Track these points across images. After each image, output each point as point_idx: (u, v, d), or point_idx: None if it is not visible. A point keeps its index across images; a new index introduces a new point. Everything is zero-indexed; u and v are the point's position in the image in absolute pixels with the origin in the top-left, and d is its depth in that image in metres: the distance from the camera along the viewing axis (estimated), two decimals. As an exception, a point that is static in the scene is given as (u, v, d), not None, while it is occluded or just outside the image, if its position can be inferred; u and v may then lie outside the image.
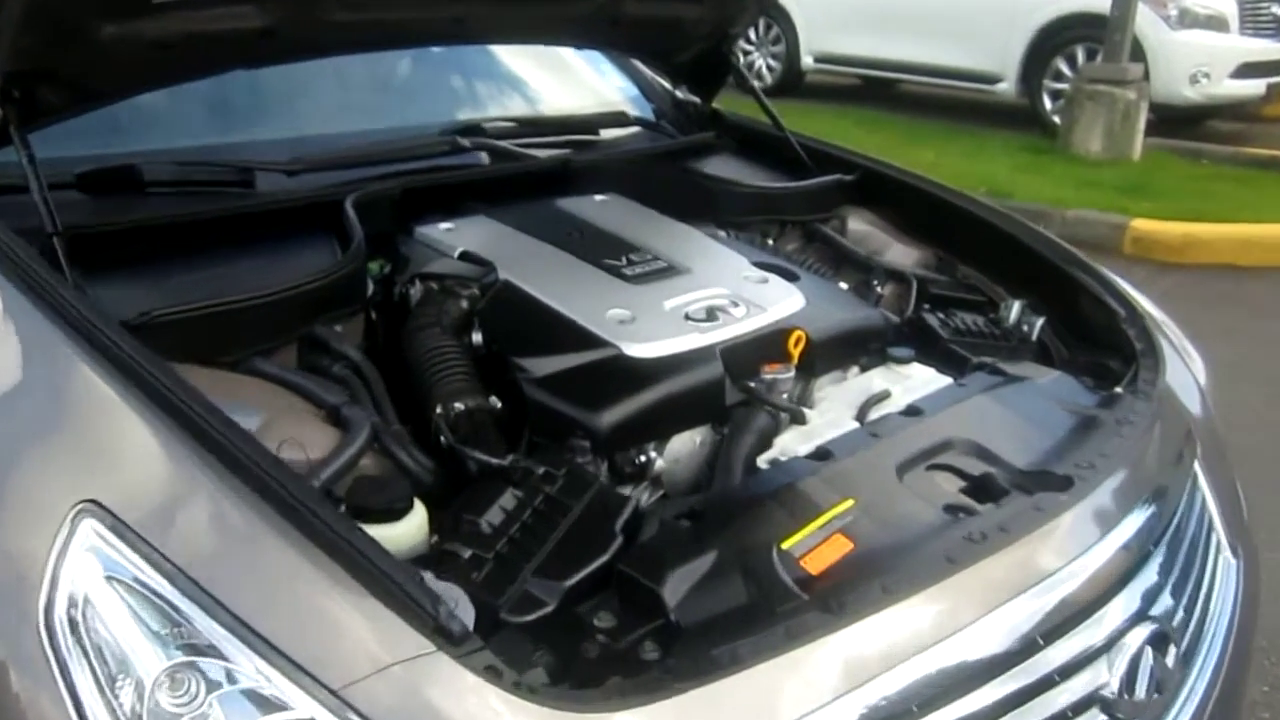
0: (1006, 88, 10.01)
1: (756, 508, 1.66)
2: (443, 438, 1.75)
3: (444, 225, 2.36)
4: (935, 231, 2.82)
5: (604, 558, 1.55)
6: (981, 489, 1.77)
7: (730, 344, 2.04)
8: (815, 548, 1.57)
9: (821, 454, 1.80)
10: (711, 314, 2.11)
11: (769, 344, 2.09)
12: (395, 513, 1.56)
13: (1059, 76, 9.61)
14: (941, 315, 2.44)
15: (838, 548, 1.58)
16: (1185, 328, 2.65)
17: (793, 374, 2.02)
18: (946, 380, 2.13)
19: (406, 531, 1.56)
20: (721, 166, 3.02)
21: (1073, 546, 1.67)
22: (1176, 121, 9.58)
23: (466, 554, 1.52)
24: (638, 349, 1.96)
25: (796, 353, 2.12)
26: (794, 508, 1.65)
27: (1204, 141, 9.31)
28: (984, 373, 2.16)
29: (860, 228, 2.88)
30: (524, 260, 2.23)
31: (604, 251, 2.29)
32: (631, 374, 1.91)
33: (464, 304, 2.09)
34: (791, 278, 2.37)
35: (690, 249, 2.40)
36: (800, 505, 1.66)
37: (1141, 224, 7.11)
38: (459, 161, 2.67)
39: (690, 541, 1.58)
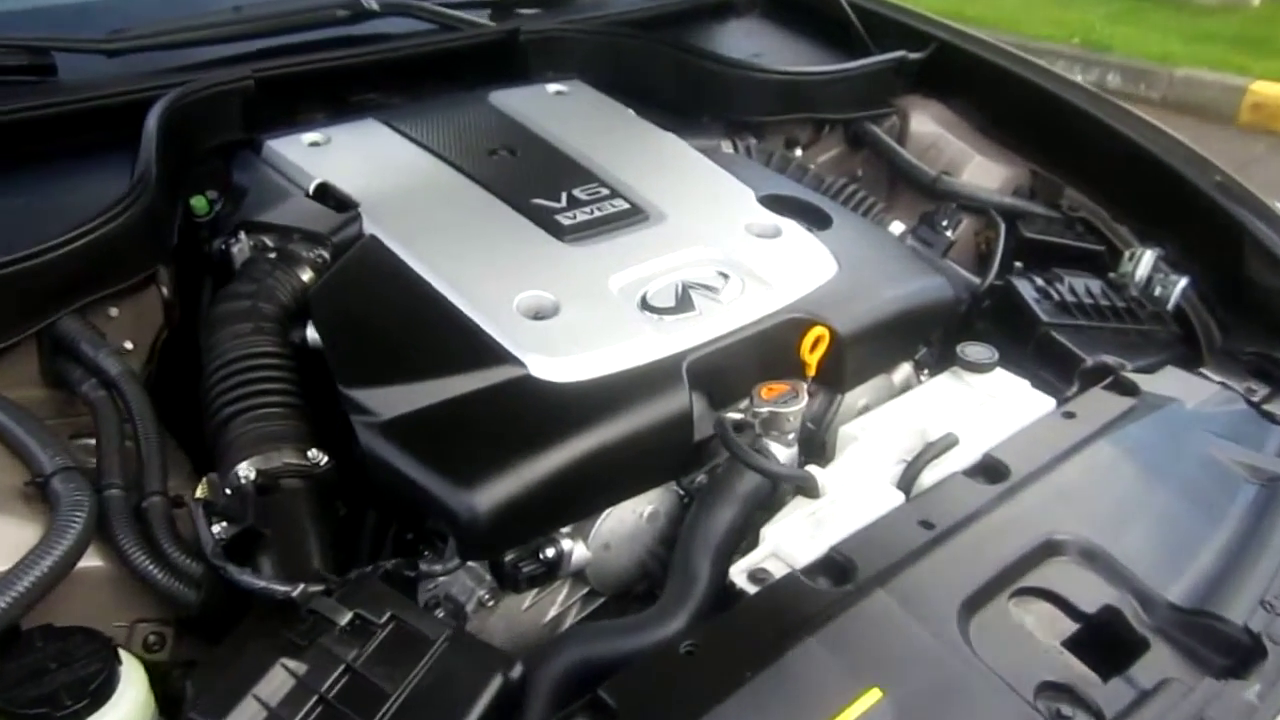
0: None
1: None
2: (209, 544, 1.05)
3: (308, 137, 1.60)
4: (1032, 136, 1.99)
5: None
6: (1105, 644, 1.06)
7: (707, 351, 1.30)
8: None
9: (838, 568, 1.09)
10: (684, 296, 1.37)
11: (772, 348, 1.36)
12: (74, 713, 0.89)
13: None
14: (1040, 278, 1.66)
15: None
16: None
17: (804, 402, 1.29)
18: (1045, 403, 1.38)
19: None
20: (739, 39, 2.19)
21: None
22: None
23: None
24: (552, 366, 1.23)
25: (815, 360, 1.38)
26: (777, 690, 0.96)
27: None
28: (1105, 390, 1.41)
29: (927, 129, 2.06)
30: (409, 200, 1.48)
31: (537, 183, 1.53)
32: (538, 411, 1.20)
33: (303, 277, 1.37)
34: (819, 222, 1.60)
35: (670, 175, 1.63)
36: (787, 687, 0.96)
37: (1263, 87, 6.01)
38: (363, 32, 1.88)
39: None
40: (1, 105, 1.50)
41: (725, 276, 1.41)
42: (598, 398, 1.22)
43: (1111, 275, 1.71)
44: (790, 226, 1.53)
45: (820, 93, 2.00)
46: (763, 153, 1.86)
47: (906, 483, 1.24)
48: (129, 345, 1.38)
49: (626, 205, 1.51)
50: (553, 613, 1.27)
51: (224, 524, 1.09)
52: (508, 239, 1.42)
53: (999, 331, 1.62)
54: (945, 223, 1.76)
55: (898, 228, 1.78)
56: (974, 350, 1.44)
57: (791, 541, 1.14)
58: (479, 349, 1.24)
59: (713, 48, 2.10)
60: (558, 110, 1.78)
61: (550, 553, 1.19)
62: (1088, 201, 1.89)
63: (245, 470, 1.13)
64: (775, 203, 1.62)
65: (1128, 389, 1.41)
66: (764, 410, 1.27)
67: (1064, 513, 1.18)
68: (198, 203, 1.53)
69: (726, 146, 1.83)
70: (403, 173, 1.54)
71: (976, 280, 1.70)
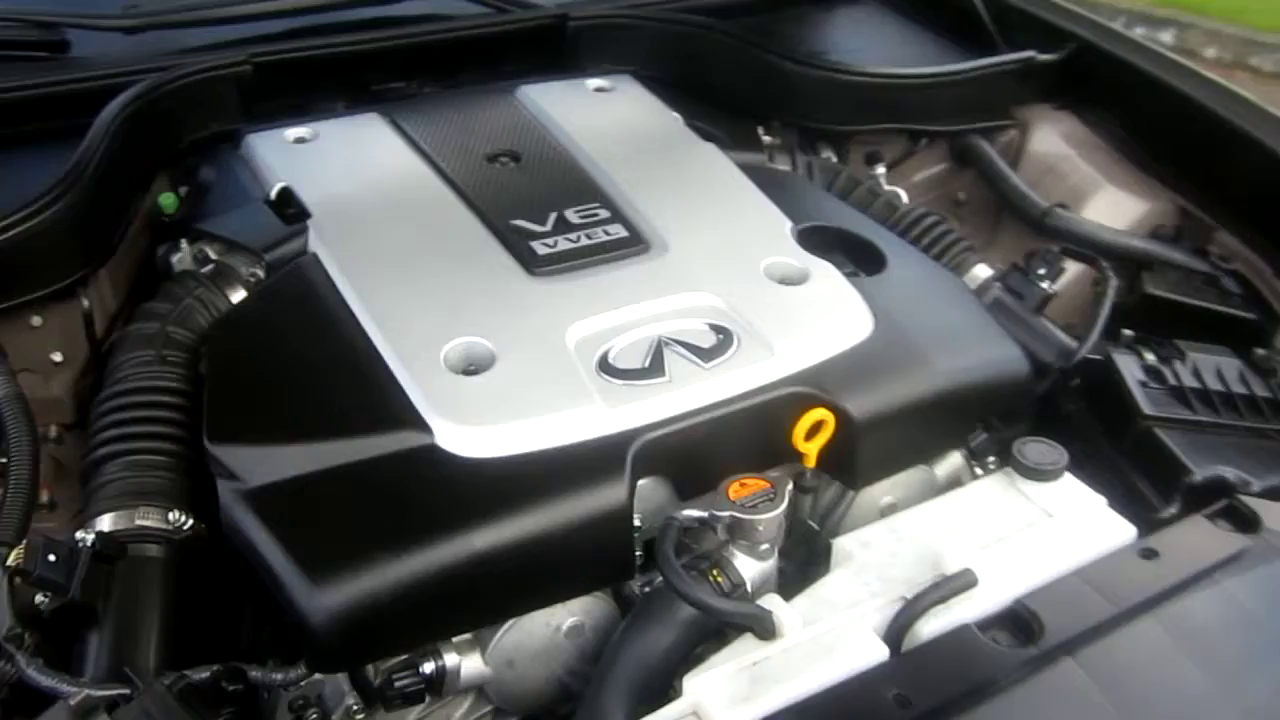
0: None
1: None
2: (2, 624, 0.89)
3: (293, 132, 1.42)
4: (1185, 163, 1.60)
5: None
6: None
7: (670, 430, 1.05)
8: None
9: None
10: (656, 357, 1.11)
11: (760, 430, 1.09)
12: None
13: None
14: (1154, 352, 1.30)
15: None
16: None
17: (782, 506, 1.01)
18: (1122, 530, 1.05)
19: None
20: (838, 33, 1.88)
21: None
22: None
23: None
24: (463, 436, 1.01)
25: (814, 449, 1.10)
26: None
27: None
28: (1211, 519, 1.06)
29: (1050, 148, 1.69)
30: (372, 213, 1.28)
31: (529, 199, 1.30)
32: (434, 492, 0.97)
33: (233, 299, 1.19)
34: (869, 264, 1.30)
35: (692, 197, 1.36)
36: None
37: None
38: (398, 14, 1.70)
39: None
40: (9, 82, 1.40)
41: (719, 333, 1.14)
42: (512, 481, 0.99)
43: (1259, 353, 1.33)
44: (823, 270, 1.24)
45: (917, 99, 1.67)
46: (827, 170, 1.56)
47: (896, 632, 0.95)
48: (57, 358, 1.26)
49: (624, 233, 1.26)
50: None
51: (46, 595, 0.93)
52: (466, 268, 1.20)
53: (1091, 419, 1.28)
54: (1043, 270, 1.42)
55: (982, 273, 1.45)
56: (1035, 450, 1.11)
57: (718, 702, 0.88)
58: (383, 408, 1.03)
59: (804, 42, 1.80)
60: (589, 111, 1.54)
61: (430, 668, 0.97)
62: (1246, 250, 1.49)
63: (83, 533, 0.97)
64: (817, 237, 1.33)
65: (1245, 521, 1.06)
66: (725, 514, 1.01)
67: (1110, 708, 0.87)
68: (165, 200, 1.39)
69: (783, 161, 1.54)
70: (380, 180, 1.34)
71: (1072, 345, 1.35)
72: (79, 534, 0.96)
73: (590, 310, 1.15)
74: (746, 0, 1.84)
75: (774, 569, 1.05)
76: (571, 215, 1.28)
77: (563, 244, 1.23)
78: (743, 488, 1.03)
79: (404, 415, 1.02)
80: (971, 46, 1.80)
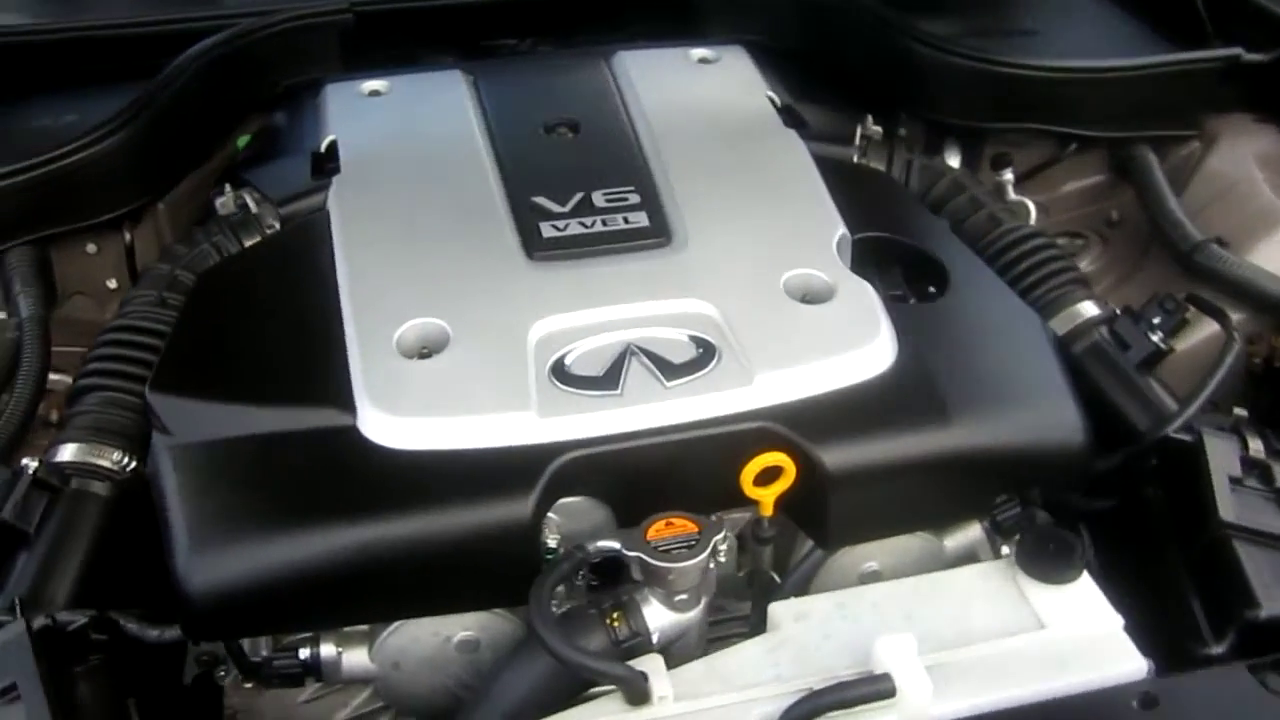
0: None
1: None
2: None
3: (369, 85, 1.41)
4: None
5: None
6: None
7: (601, 451, 0.95)
8: None
9: None
10: (615, 368, 1.01)
11: (710, 466, 0.96)
12: None
13: None
14: (1265, 443, 1.03)
15: None
16: None
17: (703, 555, 0.89)
18: (1131, 663, 0.85)
19: None
20: (1016, 12, 1.63)
21: None
22: None
23: None
24: (384, 424, 0.96)
25: (769, 497, 0.96)
26: None
27: None
28: (1269, 678, 0.83)
29: (1235, 167, 1.40)
30: (404, 175, 1.24)
31: (564, 175, 1.22)
32: (340, 477, 0.93)
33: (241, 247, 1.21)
34: (927, 287, 1.13)
35: (743, 190, 1.22)
36: None
37: None
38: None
39: None
40: (116, 19, 1.49)
41: (700, 347, 1.02)
42: (418, 478, 0.93)
43: None
44: (855, 289, 1.08)
45: (1073, 97, 1.42)
46: (928, 173, 1.35)
47: (782, 731, 0.81)
48: (112, 284, 1.33)
49: (645, 223, 1.15)
50: (341, 715, 1.03)
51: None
52: (464, 244, 1.14)
53: (1165, 513, 1.04)
54: (1159, 318, 1.16)
55: (1086, 311, 1.20)
56: (1045, 542, 0.92)
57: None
58: (319, 382, 1.00)
59: (969, 22, 1.58)
60: (677, 84, 1.42)
61: (306, 654, 0.95)
62: None
63: (29, 460, 1.01)
64: (874, 249, 1.17)
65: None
66: (632, 554, 0.90)
67: None
68: (240, 142, 1.43)
69: (879, 158, 1.35)
70: (425, 142, 1.30)
71: (1170, 408, 1.10)
72: (25, 460, 1.01)
73: (570, 305, 1.06)
74: None
75: (695, 622, 0.94)
76: (598, 197, 1.19)
77: (574, 228, 1.15)
78: (667, 528, 0.92)
79: (335, 393, 0.98)
80: (1180, 37, 1.52)
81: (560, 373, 1.00)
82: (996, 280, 1.17)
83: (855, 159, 1.33)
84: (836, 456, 0.95)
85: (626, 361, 1.00)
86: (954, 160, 1.46)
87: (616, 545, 0.91)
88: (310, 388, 1.00)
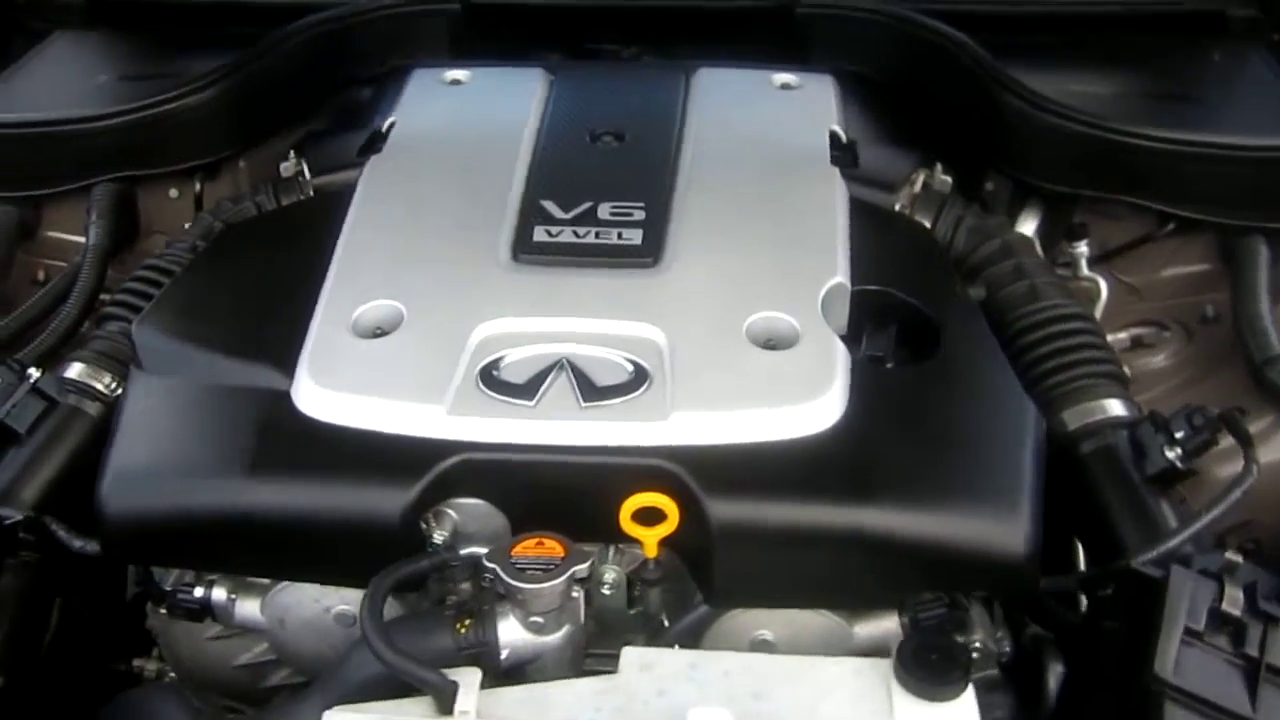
0: None
1: None
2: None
3: (451, 74, 1.46)
4: None
5: None
6: None
7: (496, 459, 0.94)
8: None
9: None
10: (536, 380, 0.99)
11: (582, 490, 0.94)
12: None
13: None
14: (1249, 595, 0.88)
15: None
16: None
17: (560, 580, 0.86)
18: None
19: None
20: (1166, 74, 1.47)
21: None
22: None
23: None
24: (311, 394, 0.99)
25: (651, 538, 0.92)
26: None
27: None
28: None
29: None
30: (432, 163, 1.28)
31: (585, 183, 1.21)
32: (258, 436, 0.98)
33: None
34: (920, 350, 1.05)
35: (755, 226, 1.17)
36: None
37: None
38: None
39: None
40: None
41: (635, 374, 0.99)
42: (320, 450, 0.97)
43: None
44: (821, 342, 1.02)
45: (1179, 172, 1.26)
46: (976, 234, 1.23)
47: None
48: (187, 228, 1.46)
49: (637, 242, 1.14)
50: (244, 659, 1.07)
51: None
52: (459, 237, 1.16)
53: (1113, 652, 0.91)
54: (1183, 433, 1.01)
55: (1111, 409, 1.07)
56: (925, 652, 0.83)
57: (335, 748, 0.80)
58: (276, 343, 1.05)
59: (1103, 78, 1.44)
60: (743, 106, 1.38)
61: (201, 593, 1.00)
62: None
63: (35, 370, 1.12)
64: (873, 304, 1.10)
65: None
66: (490, 565, 0.89)
67: None
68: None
69: (926, 213, 1.25)
70: (474, 134, 1.34)
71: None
72: (30, 370, 1.13)
73: (526, 310, 1.06)
74: (1091, 14, 1.50)
75: (554, 648, 0.92)
76: (604, 209, 1.18)
77: (566, 235, 1.14)
78: (535, 547, 0.91)
79: (284, 358, 1.03)
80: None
81: (487, 375, 1.00)
82: (996, 357, 1.06)
83: (898, 207, 1.25)
84: (727, 510, 0.90)
85: (553, 375, 1.00)
86: (1029, 224, 1.34)
87: (480, 554, 0.91)
88: (267, 350, 1.05)
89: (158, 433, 1.02)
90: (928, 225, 1.25)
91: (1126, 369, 1.26)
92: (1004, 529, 0.92)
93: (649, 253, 1.13)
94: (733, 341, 1.03)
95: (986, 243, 1.22)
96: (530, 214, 1.18)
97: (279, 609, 1.01)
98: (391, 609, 0.98)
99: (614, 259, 1.12)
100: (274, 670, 1.08)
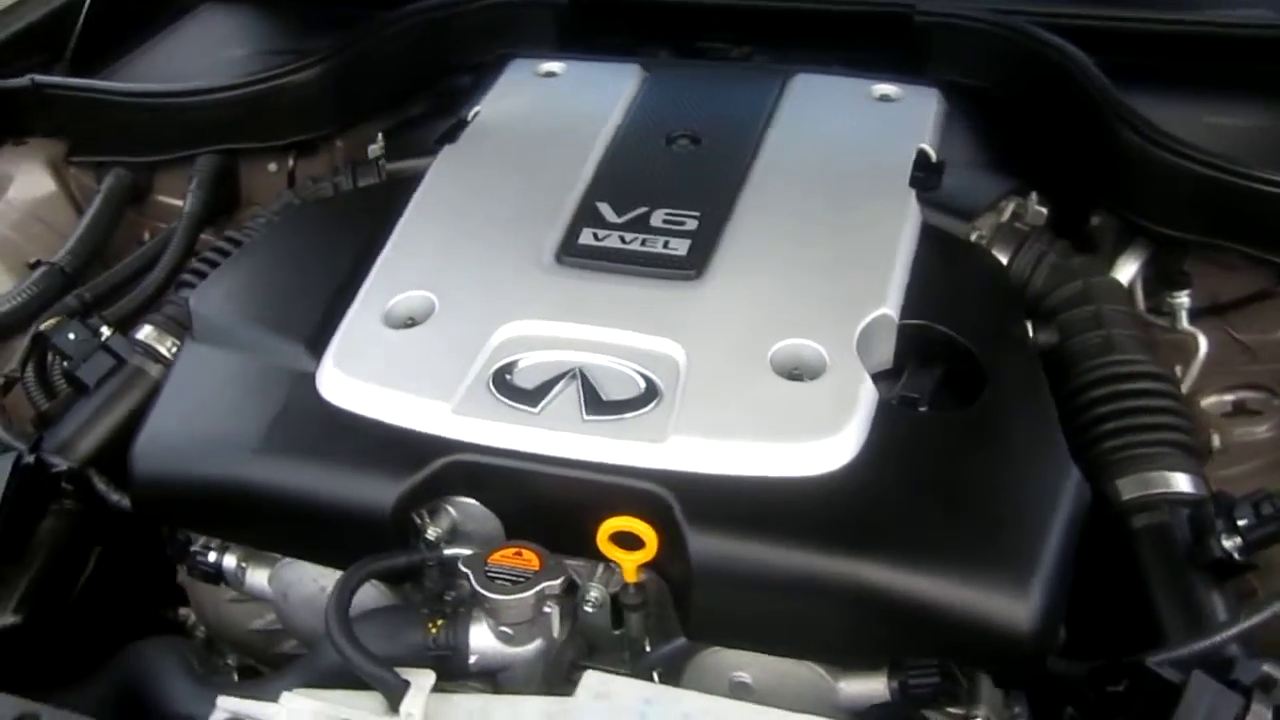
0: None
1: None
2: None
3: (546, 66, 1.46)
4: None
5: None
6: None
7: (487, 460, 0.94)
8: None
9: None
10: (546, 388, 0.98)
11: (564, 505, 0.92)
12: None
13: None
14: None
15: None
16: None
17: (531, 594, 0.84)
18: None
19: None
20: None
21: None
22: None
23: None
24: (332, 379, 1.02)
25: (630, 562, 0.89)
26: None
27: None
28: None
29: None
30: (502, 158, 1.28)
31: (642, 187, 1.19)
32: (278, 413, 1.00)
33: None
34: (961, 396, 0.98)
35: (813, 244, 1.11)
36: None
37: None
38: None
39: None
40: None
41: (646, 390, 0.97)
42: (328, 434, 0.99)
43: None
44: (850, 377, 0.96)
45: None
46: (1058, 273, 1.13)
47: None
48: (286, 200, 1.52)
49: (682, 253, 1.10)
50: (258, 624, 1.11)
51: (64, 361, 1.18)
52: (509, 232, 1.15)
53: None
54: (1245, 520, 0.88)
55: (1170, 483, 0.95)
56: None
57: (283, 730, 0.82)
58: (315, 328, 1.08)
59: (1257, 114, 1.29)
60: (832, 117, 1.32)
61: (211, 557, 1.04)
62: None
63: (108, 329, 1.19)
64: (923, 340, 1.02)
65: None
66: (464, 570, 0.88)
67: None
68: (428, 98, 1.55)
69: (1005, 247, 1.15)
70: (552, 130, 1.33)
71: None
72: (103, 329, 1.20)
73: (553, 313, 1.05)
74: (1232, 36, 1.36)
75: (526, 660, 0.91)
76: (658, 215, 1.15)
77: (613, 240, 1.12)
78: (514, 557, 0.90)
79: (318, 339, 1.06)
80: None
81: (499, 377, 0.99)
82: (1043, 412, 0.97)
83: (974, 237, 1.16)
84: (708, 546, 0.87)
85: (563, 384, 0.98)
86: (1130, 267, 1.22)
87: (458, 557, 0.91)
88: (305, 331, 1.08)
89: (194, 401, 1.06)
90: (1005, 259, 1.16)
91: (1218, 438, 1.15)
92: (1008, 603, 0.84)
93: (692, 265, 1.09)
94: (754, 367, 0.98)
95: (1067, 284, 1.12)
96: (583, 215, 1.16)
97: (283, 583, 1.04)
98: (386, 598, 1.00)
99: (655, 269, 1.09)
100: (285, 637, 1.12)
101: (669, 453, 0.92)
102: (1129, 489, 0.98)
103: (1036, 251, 1.15)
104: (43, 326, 1.20)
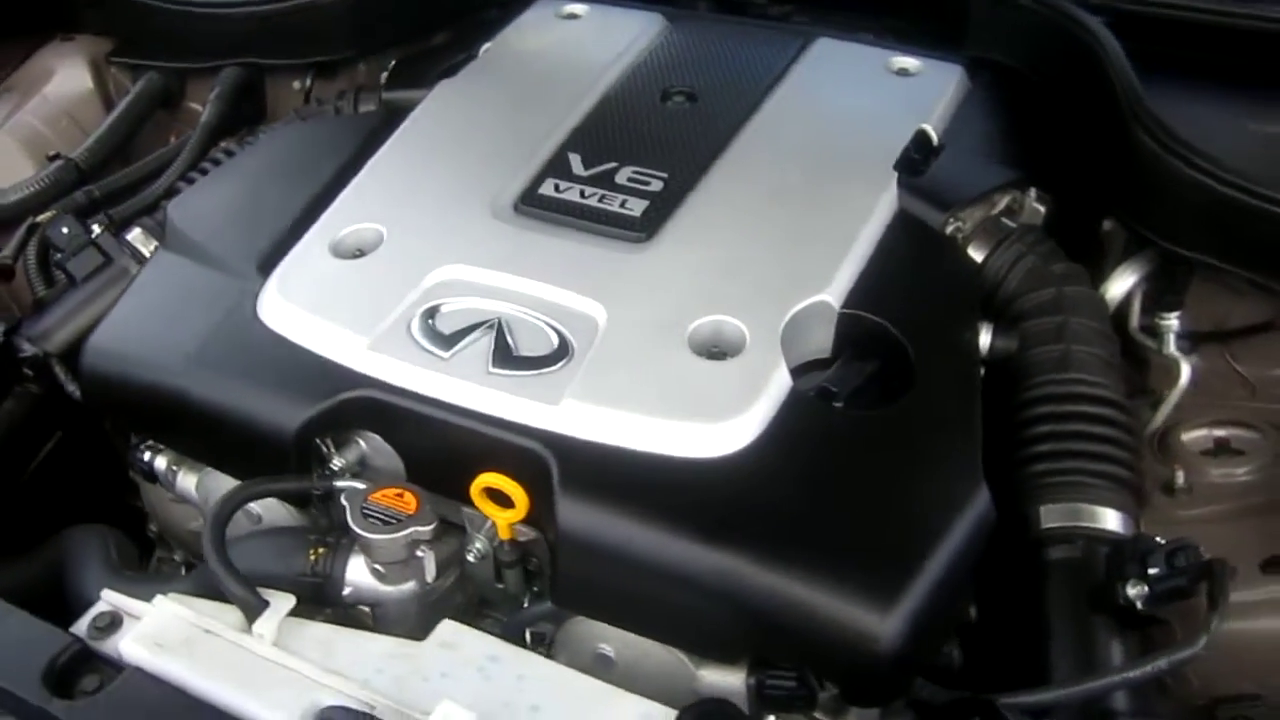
0: None
1: None
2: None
3: (569, 8, 1.43)
4: None
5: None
6: None
7: (387, 398, 0.94)
8: None
9: None
10: (462, 334, 0.98)
11: (448, 453, 0.93)
12: None
13: None
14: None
15: None
16: None
17: (405, 534, 0.85)
18: None
19: None
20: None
21: None
22: None
23: None
24: (268, 302, 1.04)
25: (504, 519, 0.89)
26: None
27: None
28: None
29: None
30: (494, 97, 1.27)
31: (619, 142, 1.17)
32: (216, 327, 1.03)
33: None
34: (891, 391, 0.94)
35: (774, 221, 1.07)
36: None
37: None
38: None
39: None
40: None
41: (559, 348, 0.96)
42: (251, 353, 1.01)
43: None
44: (765, 361, 0.93)
45: None
46: (1033, 275, 1.05)
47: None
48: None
49: (636, 214, 1.08)
50: (195, 525, 1.14)
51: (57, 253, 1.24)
52: (478, 176, 1.14)
53: None
54: (1156, 569, 0.81)
55: (1096, 519, 0.89)
56: (708, 720, 0.76)
57: (144, 629, 0.85)
58: (264, 248, 1.10)
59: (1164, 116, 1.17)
60: (838, 86, 1.27)
61: (146, 457, 1.08)
62: None
63: (97, 225, 1.24)
64: (863, 332, 0.98)
65: None
66: (343, 504, 0.90)
67: None
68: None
69: (981, 248, 1.08)
70: (554, 71, 1.31)
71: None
72: (95, 226, 1.25)
73: (493, 262, 1.04)
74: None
75: (400, 599, 0.92)
76: (625, 172, 1.12)
77: (571, 194, 1.11)
78: (395, 498, 0.91)
79: (269, 262, 1.08)
80: None
81: (424, 319, 1.00)
82: (966, 424, 0.91)
83: (949, 229, 1.09)
84: (576, 513, 0.86)
85: (479, 333, 0.98)
86: (1128, 279, 1.13)
87: (342, 490, 0.92)
88: (255, 250, 1.10)
89: (150, 306, 1.10)
90: (981, 256, 1.09)
91: (1182, 475, 1.06)
92: (869, 618, 0.80)
93: (644, 228, 1.07)
94: (671, 339, 0.96)
95: (1038, 290, 1.05)
96: (552, 166, 1.15)
97: (205, 490, 1.08)
98: (295, 521, 1.03)
99: (606, 227, 1.07)
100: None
101: (560, 415, 0.91)
102: (1051, 517, 0.92)
103: (1015, 252, 1.08)
104: (40, 218, 1.26)
